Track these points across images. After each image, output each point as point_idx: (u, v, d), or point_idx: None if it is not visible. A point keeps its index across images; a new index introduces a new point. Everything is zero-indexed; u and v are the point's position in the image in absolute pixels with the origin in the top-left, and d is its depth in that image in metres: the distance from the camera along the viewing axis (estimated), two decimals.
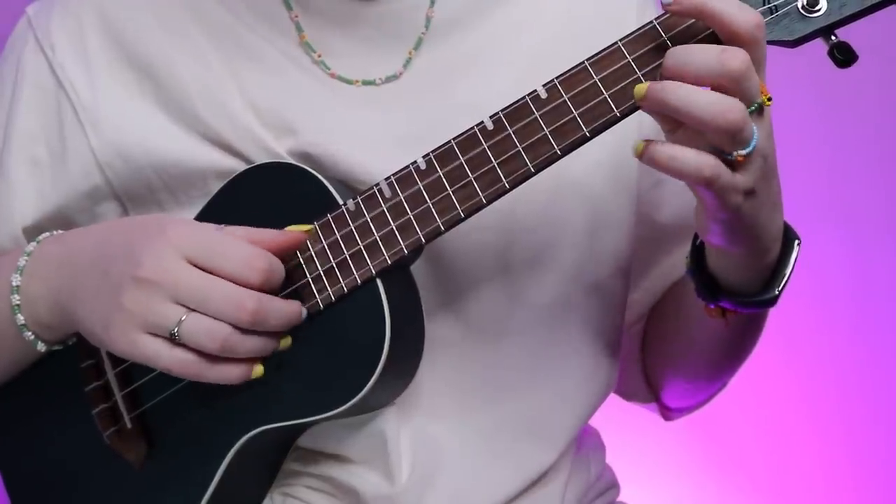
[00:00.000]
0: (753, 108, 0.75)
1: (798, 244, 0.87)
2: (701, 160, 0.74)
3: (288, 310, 0.84)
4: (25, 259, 0.91)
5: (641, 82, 0.77)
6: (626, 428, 1.56)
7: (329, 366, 0.86)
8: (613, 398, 1.13)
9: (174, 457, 0.93)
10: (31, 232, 0.98)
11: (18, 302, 0.90)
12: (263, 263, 0.81)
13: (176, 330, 0.80)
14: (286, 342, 0.85)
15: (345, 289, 0.85)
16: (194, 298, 0.80)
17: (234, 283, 0.81)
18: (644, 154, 0.75)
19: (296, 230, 0.85)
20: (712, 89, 0.74)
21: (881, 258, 1.91)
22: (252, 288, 0.81)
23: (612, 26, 0.86)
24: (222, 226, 0.84)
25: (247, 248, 0.82)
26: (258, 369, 0.84)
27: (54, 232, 0.94)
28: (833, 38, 0.77)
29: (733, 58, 0.73)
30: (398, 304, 0.86)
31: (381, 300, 0.84)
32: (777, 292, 0.87)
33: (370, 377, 0.84)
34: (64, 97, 0.97)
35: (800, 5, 0.77)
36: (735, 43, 0.74)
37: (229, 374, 0.82)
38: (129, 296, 0.81)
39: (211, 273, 0.81)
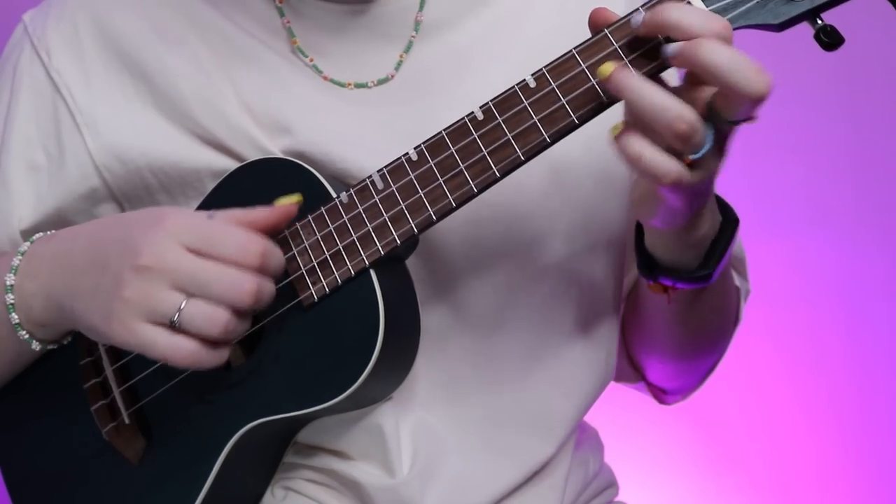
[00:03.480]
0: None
1: (736, 221, 0.91)
2: (665, 166, 0.77)
3: (282, 260, 0.84)
4: (19, 259, 0.91)
5: (629, 69, 0.78)
6: (625, 428, 1.56)
7: (324, 357, 0.86)
8: (612, 399, 1.13)
9: (172, 451, 0.93)
10: (30, 235, 0.98)
11: (13, 301, 0.90)
12: (259, 246, 0.81)
13: (177, 316, 0.79)
14: None
15: (338, 280, 0.86)
16: (194, 283, 0.80)
17: (233, 266, 0.81)
18: (618, 141, 0.78)
19: (285, 202, 0.85)
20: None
21: (869, 257, 1.92)
22: (248, 268, 0.81)
23: None
24: (213, 211, 0.84)
25: (242, 233, 0.82)
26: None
27: (48, 232, 0.94)
28: (819, 21, 0.77)
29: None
30: (392, 295, 0.86)
31: (374, 291, 0.85)
32: (711, 269, 0.90)
33: (365, 367, 0.84)
34: (60, 101, 0.97)
35: None
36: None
37: (223, 357, 0.82)
38: (130, 286, 0.81)
39: (209, 258, 0.81)
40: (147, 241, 0.81)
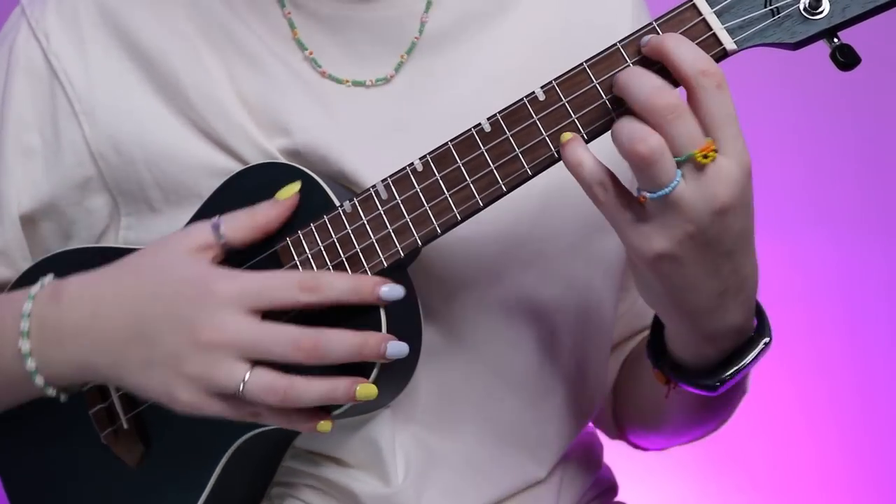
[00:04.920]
0: (681, 158, 0.73)
1: (766, 343, 0.84)
2: (592, 173, 0.76)
3: (350, 341, 0.81)
4: (27, 322, 0.87)
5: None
6: None
7: (326, 367, 0.85)
8: None
9: (171, 458, 0.92)
10: (25, 222, 0.97)
11: (34, 367, 0.87)
12: (312, 283, 0.81)
13: (241, 388, 0.79)
14: (367, 391, 0.81)
15: None
16: (255, 351, 0.79)
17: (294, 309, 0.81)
18: (564, 147, 0.78)
19: (286, 194, 0.85)
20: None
21: (870, 257, 1.92)
22: (312, 306, 0.81)
23: (606, 35, 0.85)
24: (220, 217, 0.84)
25: (290, 273, 0.81)
26: (324, 424, 0.83)
27: (44, 281, 0.89)
28: (835, 40, 0.76)
29: (659, 97, 0.73)
30: (394, 305, 0.85)
31: None
32: (718, 383, 0.84)
33: (368, 379, 0.83)
34: (58, 86, 0.96)
35: (802, 7, 0.75)
36: (685, 85, 0.75)
37: (297, 423, 0.82)
38: (191, 363, 0.80)
39: (270, 310, 0.81)
40: (203, 315, 0.80)
